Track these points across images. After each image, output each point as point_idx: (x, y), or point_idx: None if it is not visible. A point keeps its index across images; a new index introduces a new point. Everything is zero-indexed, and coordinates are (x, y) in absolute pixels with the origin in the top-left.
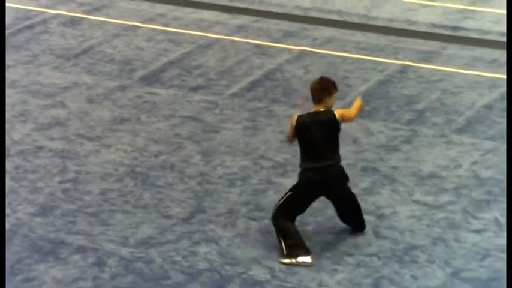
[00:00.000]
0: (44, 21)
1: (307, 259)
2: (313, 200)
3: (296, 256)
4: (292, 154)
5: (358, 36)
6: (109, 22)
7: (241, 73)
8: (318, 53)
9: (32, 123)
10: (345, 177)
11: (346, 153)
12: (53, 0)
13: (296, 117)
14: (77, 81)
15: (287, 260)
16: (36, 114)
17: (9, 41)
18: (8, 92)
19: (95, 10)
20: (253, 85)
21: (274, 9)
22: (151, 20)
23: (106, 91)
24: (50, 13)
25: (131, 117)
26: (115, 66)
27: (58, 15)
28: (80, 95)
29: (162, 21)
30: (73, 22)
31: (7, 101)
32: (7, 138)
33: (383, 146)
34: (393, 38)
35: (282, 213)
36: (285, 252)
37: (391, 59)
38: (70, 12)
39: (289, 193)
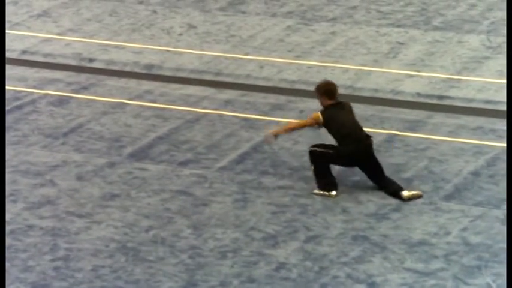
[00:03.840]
0: (33, 102)
1: (333, 192)
2: (346, 167)
3: (327, 190)
4: (283, 226)
5: None
6: (97, 100)
7: (229, 146)
8: None
9: (22, 203)
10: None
11: (335, 222)
12: (42, 80)
13: (319, 113)
14: (66, 159)
15: (319, 192)
16: (26, 193)
17: None
18: None
19: (83, 89)
20: (241, 158)
21: (261, 83)
22: (138, 97)
23: (95, 168)
24: (38, 93)
25: (121, 193)
26: (104, 143)
27: (46, 95)
28: (69, 173)
29: (150, 97)
30: (61, 101)
31: None
32: None
33: (372, 214)
34: (379, 107)
35: (320, 159)
36: (317, 186)
37: (377, 129)
38: (58, 91)
39: (330, 151)
